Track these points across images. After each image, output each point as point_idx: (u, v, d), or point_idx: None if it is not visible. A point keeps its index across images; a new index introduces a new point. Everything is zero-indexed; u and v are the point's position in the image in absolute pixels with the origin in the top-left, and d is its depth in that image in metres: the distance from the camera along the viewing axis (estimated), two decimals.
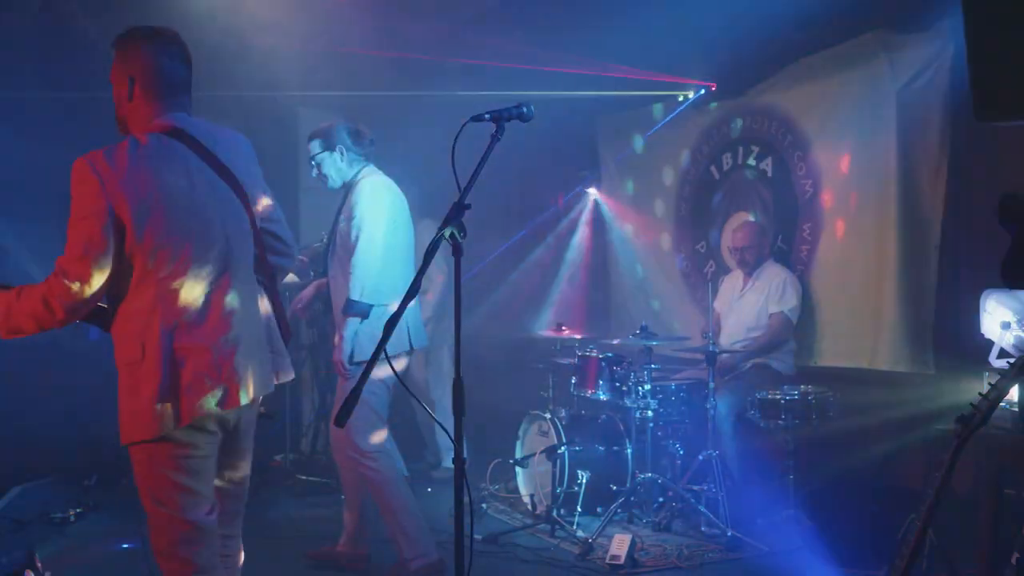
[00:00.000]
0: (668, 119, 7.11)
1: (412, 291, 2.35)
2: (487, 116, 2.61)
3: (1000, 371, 2.59)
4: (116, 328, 2.67)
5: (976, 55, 1.88)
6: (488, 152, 2.57)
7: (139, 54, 2.77)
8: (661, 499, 5.46)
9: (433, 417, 2.58)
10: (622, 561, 4.61)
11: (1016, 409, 3.24)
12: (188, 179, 2.69)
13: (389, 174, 4.49)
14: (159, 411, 2.57)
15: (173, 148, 2.70)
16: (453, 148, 2.52)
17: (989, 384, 2.52)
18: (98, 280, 2.56)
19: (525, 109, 2.68)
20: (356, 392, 2.19)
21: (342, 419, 2.16)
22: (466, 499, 2.36)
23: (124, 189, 2.56)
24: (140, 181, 2.59)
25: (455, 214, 2.44)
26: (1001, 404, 3.50)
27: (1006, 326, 3.54)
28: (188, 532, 2.68)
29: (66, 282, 2.54)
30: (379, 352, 2.25)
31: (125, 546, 4.91)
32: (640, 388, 5.37)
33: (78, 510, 5.66)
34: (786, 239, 6.12)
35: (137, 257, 2.59)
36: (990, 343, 3.71)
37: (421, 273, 2.39)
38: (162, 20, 5.50)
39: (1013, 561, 3.11)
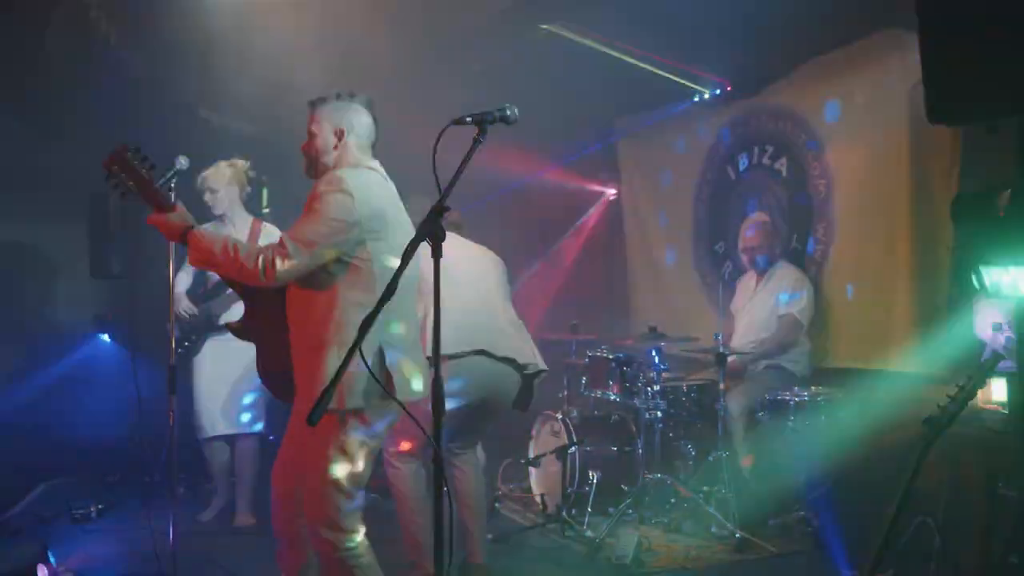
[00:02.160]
0: (685, 119, 7.11)
1: (389, 291, 2.38)
2: (468, 120, 2.61)
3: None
4: None
5: (929, 61, 1.88)
6: (470, 155, 2.55)
7: (357, 115, 3.30)
8: (672, 500, 5.46)
9: (413, 417, 2.62)
10: (628, 561, 4.62)
11: (1006, 411, 3.23)
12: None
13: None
14: None
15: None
16: (434, 151, 2.53)
17: (957, 386, 2.51)
18: None
19: (509, 112, 2.65)
20: (328, 391, 2.23)
21: (314, 419, 2.20)
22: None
23: None
24: None
25: (434, 216, 2.46)
26: (993, 406, 3.50)
27: (998, 327, 3.51)
28: None
29: None
30: (355, 349, 2.29)
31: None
32: (649, 389, 5.38)
33: (100, 507, 5.77)
34: (801, 239, 6.10)
35: None
36: (983, 344, 3.68)
37: (399, 273, 2.42)
38: (176, 19, 5.65)
39: (1014, 561, 3.09)
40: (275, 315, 3.23)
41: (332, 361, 3.01)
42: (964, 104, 1.91)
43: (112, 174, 3.02)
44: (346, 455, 3.06)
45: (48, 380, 7.00)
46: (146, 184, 3.03)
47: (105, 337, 7.30)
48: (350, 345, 2.90)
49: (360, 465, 3.11)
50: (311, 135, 3.31)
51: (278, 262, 2.96)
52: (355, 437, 3.08)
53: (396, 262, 3.13)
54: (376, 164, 3.34)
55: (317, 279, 3.07)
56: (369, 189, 3.15)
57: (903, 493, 2.48)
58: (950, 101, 1.89)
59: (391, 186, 3.34)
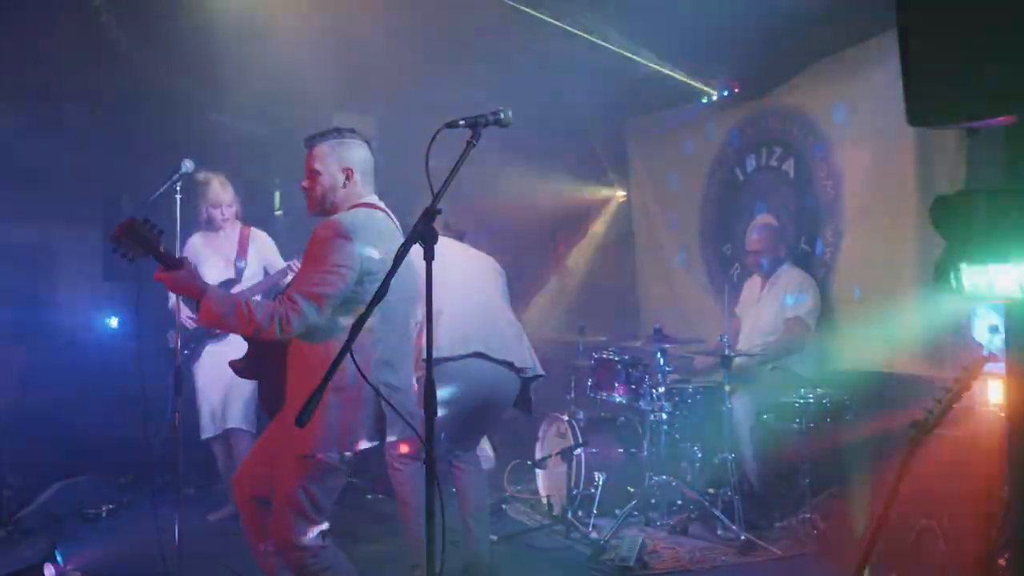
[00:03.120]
0: (693, 121, 7.11)
1: (380, 294, 2.41)
2: (462, 123, 2.63)
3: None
4: None
5: (909, 60, 1.88)
6: (463, 158, 2.57)
7: (358, 150, 3.32)
8: (678, 502, 5.46)
9: (404, 419, 2.65)
10: (631, 563, 4.63)
11: (1003, 414, 3.21)
12: None
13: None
14: None
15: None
16: (427, 154, 2.54)
17: (945, 389, 2.51)
18: None
19: (503, 115, 2.67)
20: (318, 392, 2.26)
21: (302, 419, 2.23)
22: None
23: None
24: None
25: (426, 219, 2.48)
26: (991, 408, 3.49)
27: (994, 330, 3.51)
28: None
29: None
30: (345, 351, 2.32)
31: None
32: (654, 391, 5.38)
33: (111, 506, 5.84)
34: (808, 241, 6.09)
35: None
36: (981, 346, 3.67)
37: (390, 276, 2.44)
38: (185, 22, 5.70)
39: (1002, 563, 3.08)
40: (277, 355, 3.27)
41: (331, 405, 3.06)
42: (944, 106, 1.91)
43: (120, 244, 3.07)
44: (318, 487, 3.13)
45: (62, 381, 7.08)
46: (154, 248, 3.07)
47: (113, 322, 7.37)
48: (349, 388, 3.03)
49: (330, 495, 3.19)
50: (315, 173, 3.30)
51: (293, 318, 3.01)
52: (331, 471, 3.15)
53: (395, 304, 3.17)
54: (377, 200, 3.36)
55: (317, 327, 3.10)
56: (368, 229, 3.16)
57: (890, 496, 2.48)
58: (929, 104, 1.90)
59: (392, 223, 3.36)
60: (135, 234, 3.05)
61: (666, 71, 6.58)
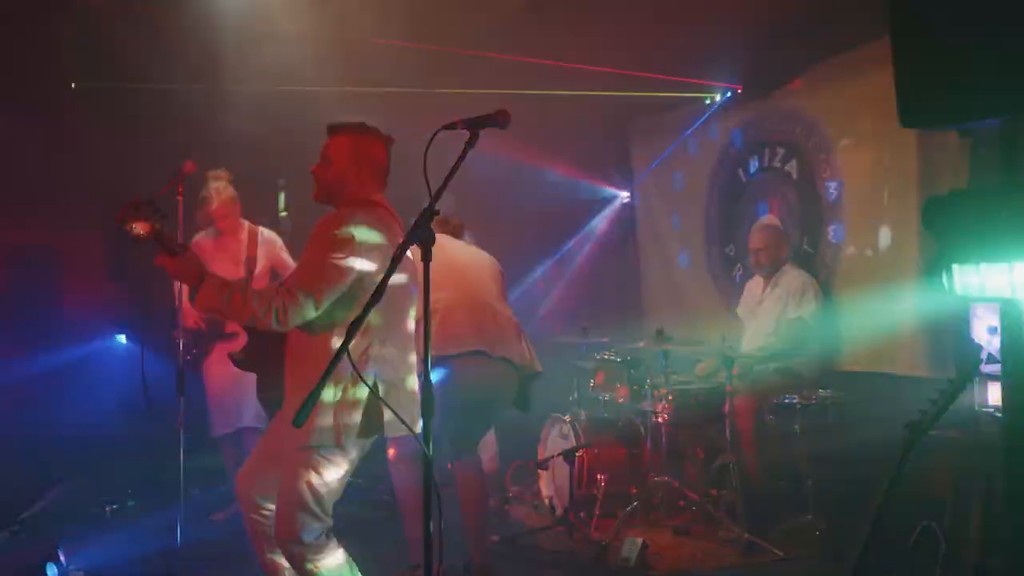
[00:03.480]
0: (696, 122, 7.12)
1: (378, 294, 2.41)
2: (460, 124, 2.63)
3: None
4: None
5: (901, 62, 1.89)
6: (461, 159, 2.57)
7: (376, 148, 3.33)
8: (680, 503, 5.46)
9: (400, 418, 2.66)
10: (631, 564, 4.63)
11: (1001, 415, 3.21)
12: None
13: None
14: None
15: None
16: (425, 155, 2.54)
17: (938, 390, 2.51)
18: None
19: (501, 116, 2.68)
20: (316, 392, 2.26)
21: (300, 419, 2.24)
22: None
23: None
24: None
25: (423, 219, 2.49)
26: (989, 409, 3.49)
27: (992, 331, 3.50)
28: None
29: None
30: (342, 352, 2.33)
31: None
32: (656, 392, 5.38)
33: (114, 506, 5.86)
34: (811, 242, 6.09)
35: None
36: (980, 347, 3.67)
37: (388, 277, 2.45)
38: (190, 24, 5.70)
39: (996, 563, 3.07)
40: (276, 347, 3.30)
41: (328, 398, 3.08)
42: (936, 108, 1.92)
43: (124, 223, 3.09)
44: (320, 481, 3.14)
45: (67, 382, 7.11)
46: (156, 231, 3.09)
47: (121, 338, 7.40)
48: (347, 381, 3.04)
49: (332, 491, 3.19)
50: (327, 159, 3.31)
51: (290, 310, 3.03)
52: (332, 466, 3.17)
53: (394, 299, 3.20)
54: (383, 199, 3.36)
55: (316, 320, 3.11)
56: (369, 227, 3.17)
57: (884, 497, 2.48)
58: (922, 104, 1.90)
59: (394, 220, 3.36)
60: (139, 214, 3.07)
61: (670, 72, 6.58)
